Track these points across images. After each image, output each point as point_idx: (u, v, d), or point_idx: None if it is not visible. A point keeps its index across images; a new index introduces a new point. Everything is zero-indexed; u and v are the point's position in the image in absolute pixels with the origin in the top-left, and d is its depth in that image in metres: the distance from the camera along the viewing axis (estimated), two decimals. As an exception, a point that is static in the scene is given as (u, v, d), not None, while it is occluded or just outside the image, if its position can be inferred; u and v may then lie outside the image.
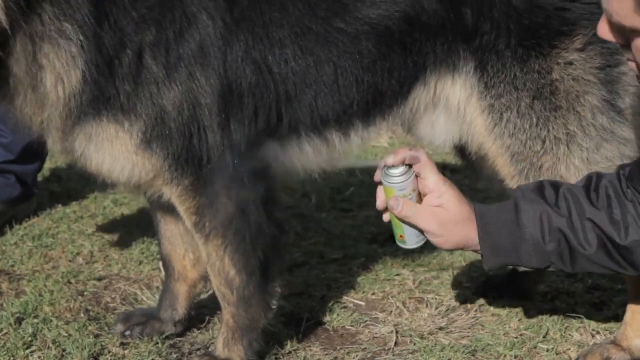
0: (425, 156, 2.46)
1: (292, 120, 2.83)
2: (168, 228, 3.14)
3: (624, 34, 2.00)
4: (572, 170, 2.90)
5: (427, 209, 2.46)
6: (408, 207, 2.45)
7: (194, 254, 3.13)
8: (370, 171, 5.14)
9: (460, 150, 3.24)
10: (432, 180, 2.46)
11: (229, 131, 2.74)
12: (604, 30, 2.04)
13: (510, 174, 2.96)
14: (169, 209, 2.95)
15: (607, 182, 2.48)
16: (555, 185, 2.51)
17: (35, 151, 4.16)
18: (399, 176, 2.43)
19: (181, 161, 2.73)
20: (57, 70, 2.61)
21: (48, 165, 4.77)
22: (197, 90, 2.70)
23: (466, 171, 4.58)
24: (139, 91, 2.66)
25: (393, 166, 2.43)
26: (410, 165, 2.44)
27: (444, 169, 5.24)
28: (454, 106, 2.98)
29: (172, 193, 2.80)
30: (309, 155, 2.92)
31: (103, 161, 2.75)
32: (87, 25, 2.60)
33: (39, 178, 4.45)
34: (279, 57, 2.79)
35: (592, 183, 2.50)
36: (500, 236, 2.47)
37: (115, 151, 2.72)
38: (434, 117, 3.03)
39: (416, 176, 2.44)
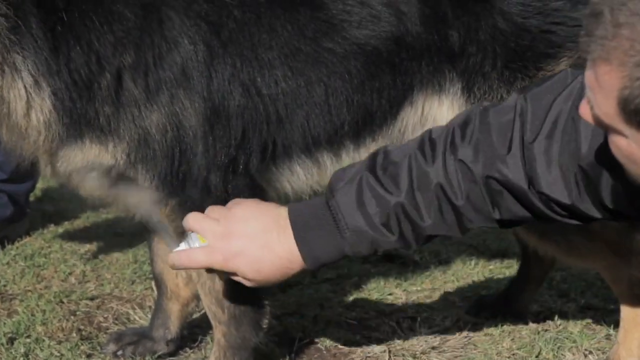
0: (192, 223, 2.48)
1: (283, 142, 2.84)
2: (161, 246, 3.13)
3: (603, 126, 1.97)
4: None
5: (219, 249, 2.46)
6: (185, 257, 2.49)
7: (187, 273, 3.12)
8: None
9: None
10: (215, 266, 2.47)
11: (215, 153, 2.74)
12: (586, 113, 1.98)
13: None
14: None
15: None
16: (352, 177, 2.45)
17: (27, 171, 4.13)
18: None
19: (167, 183, 2.72)
20: (22, 101, 2.61)
21: (40, 185, 4.77)
22: (180, 113, 2.70)
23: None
24: (120, 113, 2.65)
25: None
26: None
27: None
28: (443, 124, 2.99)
29: (160, 213, 2.79)
30: (299, 177, 2.92)
31: (90, 184, 2.76)
32: (41, 54, 2.59)
33: (31, 198, 4.45)
34: (268, 78, 2.79)
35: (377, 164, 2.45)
36: (322, 248, 2.45)
37: (96, 172, 2.72)
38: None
39: None
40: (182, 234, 2.73)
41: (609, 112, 1.86)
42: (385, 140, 3.00)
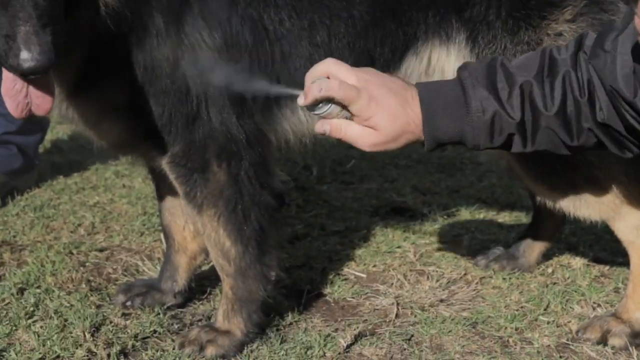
0: (336, 86, 2.30)
1: (287, 81, 2.82)
2: (168, 199, 3.14)
3: None
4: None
5: (359, 130, 2.34)
6: (339, 127, 2.34)
7: (194, 226, 3.12)
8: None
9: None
10: (355, 108, 2.31)
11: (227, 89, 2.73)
12: None
13: None
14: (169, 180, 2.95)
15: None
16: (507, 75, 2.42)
17: (36, 122, 4.16)
18: (317, 113, 2.34)
19: (174, 122, 2.71)
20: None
21: (49, 136, 4.77)
22: (196, 45, 2.69)
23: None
24: (139, 47, 2.65)
25: (308, 106, 2.33)
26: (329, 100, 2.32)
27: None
28: (450, 75, 2.97)
29: (162, 160, 2.79)
30: (300, 119, 2.91)
31: (97, 124, 2.75)
32: None
33: (40, 150, 4.45)
34: (274, 17, 2.78)
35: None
36: (443, 129, 2.37)
37: (109, 112, 2.71)
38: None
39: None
40: (183, 184, 2.73)
41: None
42: None
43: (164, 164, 2.79)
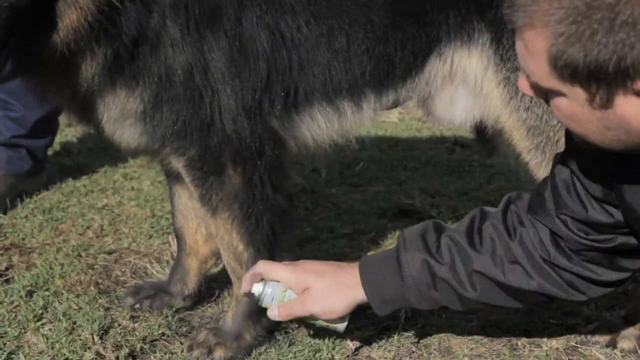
0: (265, 267, 2.69)
1: (305, 88, 2.82)
2: (182, 202, 3.14)
3: (542, 92, 2.03)
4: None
5: (300, 300, 2.65)
6: (283, 309, 2.67)
7: (207, 230, 3.13)
8: (378, 146, 5.15)
9: (476, 127, 3.23)
10: (286, 279, 2.67)
11: (241, 97, 2.74)
12: (524, 85, 2.08)
13: (526, 148, 2.95)
14: (184, 181, 2.95)
15: (490, 224, 2.59)
16: (438, 230, 2.63)
17: (46, 126, 4.18)
18: (260, 296, 2.70)
19: (190, 128, 2.72)
20: (90, 52, 2.61)
21: (58, 139, 4.79)
22: (208, 53, 2.69)
23: (476, 147, 4.57)
24: (153, 56, 2.65)
25: (251, 293, 2.70)
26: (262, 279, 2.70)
27: (454, 144, 5.25)
28: (471, 79, 2.96)
29: (178, 163, 2.79)
30: (320, 125, 2.91)
31: (115, 129, 2.76)
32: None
33: (50, 152, 4.46)
34: (291, 23, 2.78)
35: (474, 225, 2.61)
36: (387, 289, 2.63)
37: (125, 118, 2.72)
38: (451, 92, 3.01)
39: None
40: (199, 187, 2.74)
41: (542, 75, 1.95)
42: (409, 92, 2.98)
43: (180, 167, 2.80)
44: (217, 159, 2.74)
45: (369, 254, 3.56)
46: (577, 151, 2.30)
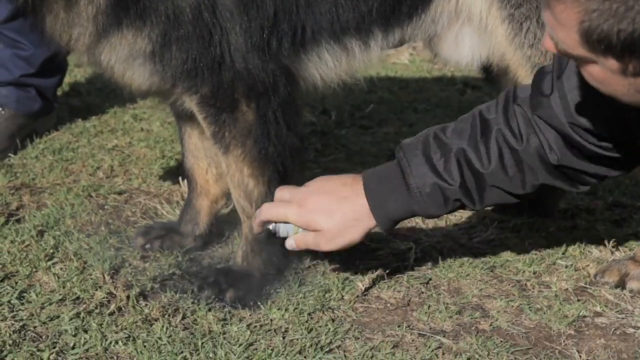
0: (270, 211, 2.67)
1: (312, 27, 2.80)
2: (192, 142, 3.13)
3: (572, 58, 2.03)
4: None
5: (314, 239, 2.64)
6: (300, 241, 2.66)
7: (217, 170, 3.12)
8: (388, 88, 5.13)
9: (483, 66, 3.22)
10: (292, 220, 2.65)
11: (250, 35, 2.72)
12: (550, 45, 2.05)
13: None
14: (193, 121, 2.94)
15: (496, 130, 2.56)
16: (442, 146, 2.59)
17: (55, 65, 4.16)
18: (279, 237, 2.71)
19: (200, 67, 2.70)
20: None
21: (67, 80, 4.77)
22: None
23: (487, 88, 4.55)
24: None
25: (267, 229, 2.71)
26: None
27: (465, 85, 5.23)
28: (476, 16, 2.95)
29: (191, 101, 2.78)
30: (328, 64, 2.90)
31: (125, 70, 2.74)
32: None
33: (59, 93, 4.45)
34: None
35: (477, 132, 2.57)
36: (396, 210, 2.61)
37: (134, 59, 2.70)
38: (457, 30, 3.00)
39: None
40: (212, 124, 2.74)
41: (572, 45, 1.94)
42: (415, 30, 2.96)
43: (193, 105, 2.79)
44: (230, 95, 2.73)
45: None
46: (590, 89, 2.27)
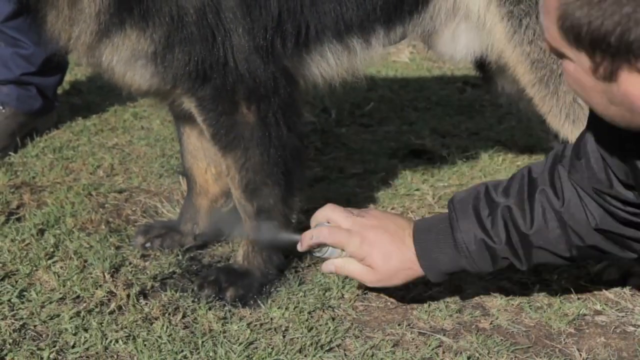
0: (326, 233, 2.63)
1: (316, 26, 2.81)
2: (191, 142, 3.13)
3: (555, 51, 2.00)
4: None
5: (359, 268, 2.64)
6: (343, 269, 2.66)
7: (216, 169, 3.13)
8: (389, 87, 5.13)
9: (480, 64, 3.22)
10: (349, 250, 2.63)
11: (253, 36, 2.72)
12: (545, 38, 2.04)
13: (530, 82, 2.96)
14: (192, 122, 2.94)
15: (540, 191, 2.52)
16: (491, 204, 2.55)
17: (56, 64, 4.15)
18: (318, 256, 2.71)
19: (202, 68, 2.70)
20: None
21: (68, 78, 4.77)
22: None
23: (487, 86, 4.54)
24: None
25: (312, 250, 2.69)
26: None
27: (465, 84, 5.23)
28: (474, 14, 2.96)
29: (190, 103, 2.78)
30: (329, 63, 2.90)
31: (126, 71, 2.74)
32: None
33: (59, 91, 4.45)
34: None
35: (525, 192, 2.53)
36: (443, 265, 2.60)
37: (136, 59, 2.70)
38: (454, 27, 3.00)
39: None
40: (211, 126, 2.74)
41: (553, 34, 1.92)
42: (415, 27, 2.97)
43: (193, 107, 2.79)
44: (230, 98, 2.73)
45: (379, 194, 3.58)
46: (599, 124, 2.24)
